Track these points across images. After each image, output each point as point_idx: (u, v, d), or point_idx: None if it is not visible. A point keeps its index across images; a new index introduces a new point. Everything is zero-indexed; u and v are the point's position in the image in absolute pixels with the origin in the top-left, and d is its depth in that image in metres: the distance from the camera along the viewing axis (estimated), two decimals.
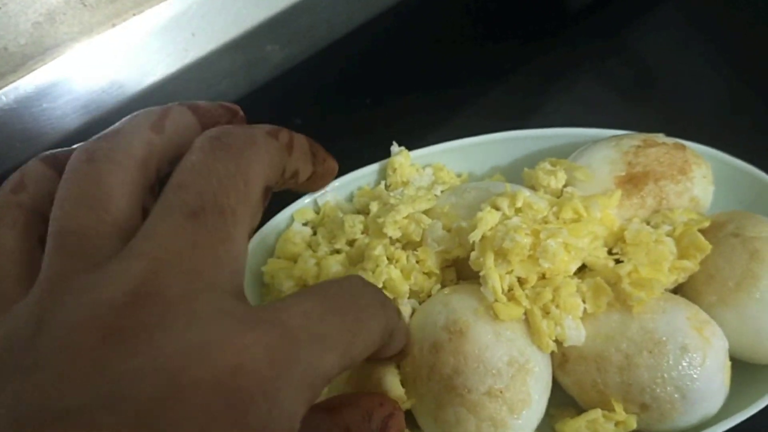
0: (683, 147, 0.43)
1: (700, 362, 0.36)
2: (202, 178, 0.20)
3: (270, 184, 0.22)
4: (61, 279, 0.18)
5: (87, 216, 0.20)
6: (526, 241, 0.37)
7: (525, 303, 0.38)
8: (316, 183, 0.29)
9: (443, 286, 0.42)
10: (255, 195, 0.21)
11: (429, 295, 0.41)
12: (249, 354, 0.17)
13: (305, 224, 0.47)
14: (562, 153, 0.47)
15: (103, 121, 0.54)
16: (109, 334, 0.16)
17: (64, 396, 0.15)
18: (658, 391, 0.36)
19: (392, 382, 0.37)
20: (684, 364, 0.36)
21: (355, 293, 0.21)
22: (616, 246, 0.40)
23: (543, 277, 0.38)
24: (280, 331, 0.18)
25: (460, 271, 0.43)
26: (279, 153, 0.23)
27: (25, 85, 0.49)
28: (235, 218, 0.20)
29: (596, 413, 0.37)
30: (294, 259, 0.45)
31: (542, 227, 0.38)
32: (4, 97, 0.48)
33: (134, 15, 0.52)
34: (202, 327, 0.17)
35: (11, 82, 0.49)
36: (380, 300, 0.22)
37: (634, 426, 0.37)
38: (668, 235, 0.40)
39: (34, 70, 0.49)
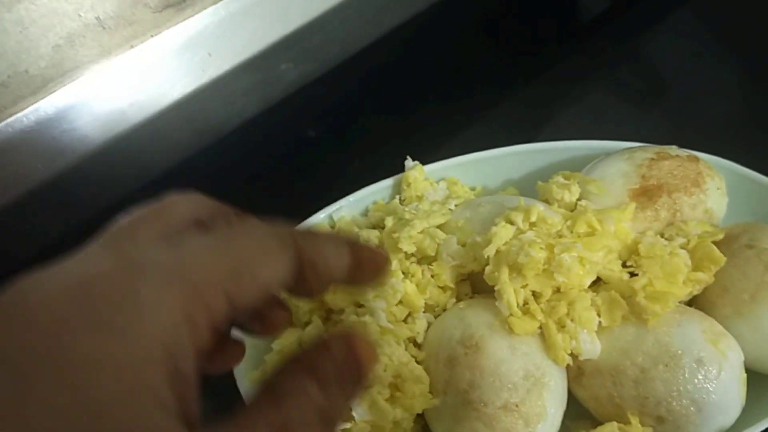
0: (696, 159, 0.44)
1: (715, 375, 0.36)
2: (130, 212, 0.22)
3: (200, 217, 0.23)
4: None
5: None
6: (541, 255, 0.38)
7: (540, 317, 0.38)
8: None
9: (458, 300, 0.42)
10: (177, 217, 0.22)
11: (444, 309, 0.42)
12: (95, 263, 0.18)
13: None
14: (575, 165, 0.47)
15: (122, 141, 0.55)
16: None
17: None
18: (673, 404, 0.36)
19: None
20: (700, 377, 0.36)
21: (254, 226, 0.22)
22: (631, 259, 0.40)
23: (558, 290, 0.39)
24: (137, 255, 0.19)
25: (475, 285, 0.43)
26: (208, 202, 0.24)
27: (45, 106, 0.50)
28: (146, 223, 0.21)
29: (612, 426, 0.37)
30: None
31: (556, 241, 0.38)
32: (25, 119, 0.49)
33: (152, 36, 0.53)
34: (60, 267, 0.18)
35: (32, 104, 0.50)
36: (262, 221, 0.22)
37: None
38: (682, 247, 0.40)
39: (54, 91, 0.50)
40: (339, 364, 0.21)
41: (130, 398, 0.16)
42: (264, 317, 0.25)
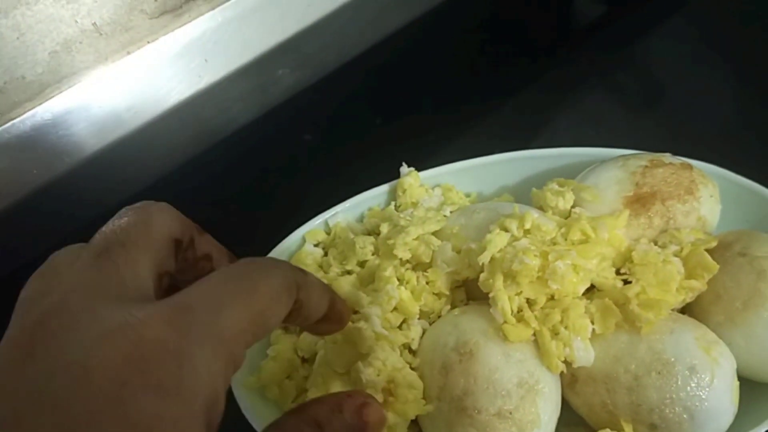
0: (690, 167, 0.44)
1: (708, 383, 0.36)
2: (107, 228, 0.23)
3: (176, 236, 0.25)
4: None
5: (40, 287, 0.23)
6: (535, 262, 0.38)
7: (534, 324, 0.38)
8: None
9: (453, 306, 0.42)
10: (158, 237, 0.24)
11: (439, 316, 0.42)
12: (148, 327, 0.19)
13: (316, 245, 0.48)
14: (570, 172, 0.47)
15: (119, 147, 0.55)
16: (24, 350, 0.19)
17: None
18: (666, 411, 0.36)
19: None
20: (692, 384, 0.36)
21: (251, 266, 0.23)
22: (624, 266, 0.41)
23: (552, 298, 0.39)
24: (179, 305, 0.20)
25: (470, 291, 0.43)
26: (180, 216, 0.25)
27: (42, 112, 0.50)
28: (137, 249, 0.23)
29: None
30: None
31: (551, 249, 0.39)
32: (21, 125, 0.49)
33: (148, 42, 0.53)
34: (103, 322, 0.19)
35: (29, 110, 0.50)
36: (276, 263, 0.24)
37: None
38: (676, 255, 0.40)
39: (50, 97, 0.50)
40: (348, 428, 0.24)
41: None
42: None
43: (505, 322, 0.38)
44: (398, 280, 0.42)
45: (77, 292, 0.21)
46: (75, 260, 0.22)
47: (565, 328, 0.38)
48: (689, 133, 0.59)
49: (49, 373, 0.18)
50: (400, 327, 0.41)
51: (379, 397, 0.38)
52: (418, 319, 0.42)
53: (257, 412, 0.40)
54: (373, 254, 0.45)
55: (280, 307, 0.23)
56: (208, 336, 0.20)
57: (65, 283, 0.21)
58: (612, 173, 0.44)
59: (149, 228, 0.23)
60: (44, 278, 0.22)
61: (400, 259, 0.43)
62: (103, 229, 0.23)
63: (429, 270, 0.42)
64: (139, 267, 0.22)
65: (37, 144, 0.50)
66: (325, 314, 0.27)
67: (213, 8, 0.55)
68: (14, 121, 0.49)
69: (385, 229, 0.45)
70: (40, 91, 0.50)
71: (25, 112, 0.49)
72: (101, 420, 0.17)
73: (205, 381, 0.19)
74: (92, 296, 0.20)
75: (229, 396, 0.40)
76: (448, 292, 0.42)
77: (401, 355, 0.40)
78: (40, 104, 0.50)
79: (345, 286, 0.44)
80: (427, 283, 0.42)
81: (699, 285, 0.39)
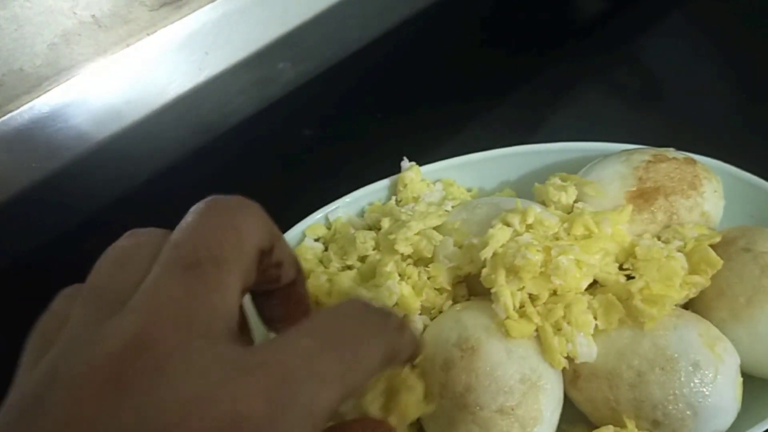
0: (693, 162, 0.44)
1: (711, 379, 0.36)
2: (197, 233, 0.20)
3: (263, 246, 0.22)
4: (77, 332, 0.19)
5: (117, 274, 0.20)
6: (538, 257, 0.37)
7: (536, 320, 0.38)
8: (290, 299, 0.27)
9: (455, 302, 0.42)
10: (248, 249, 0.21)
11: (440, 312, 0.42)
12: (246, 401, 0.17)
13: (317, 240, 0.48)
14: (572, 167, 0.47)
15: (118, 140, 0.54)
16: (106, 384, 0.17)
17: None
18: (670, 408, 0.36)
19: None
20: (696, 380, 0.35)
21: (353, 321, 0.21)
22: (627, 262, 0.40)
23: (554, 293, 0.39)
24: (276, 374, 0.18)
25: (472, 287, 0.43)
26: (269, 221, 0.23)
27: (40, 105, 0.50)
28: (229, 267, 0.20)
29: (608, 430, 0.37)
30: (306, 275, 0.45)
31: (553, 244, 0.38)
32: (19, 118, 0.49)
33: (148, 35, 0.52)
34: (198, 376, 0.17)
35: (27, 102, 0.49)
36: (380, 324, 0.22)
37: None
38: (679, 250, 0.40)
39: (49, 90, 0.50)
40: None
41: None
42: None
43: (508, 317, 0.37)
44: (399, 275, 0.42)
45: (168, 317, 0.18)
46: (154, 254, 0.20)
47: (568, 323, 0.38)
48: (690, 129, 0.59)
49: (135, 428, 0.16)
50: None
51: (379, 401, 0.38)
52: (420, 314, 0.41)
53: None
54: (374, 249, 0.45)
55: (370, 376, 0.21)
56: (306, 418, 0.18)
57: (151, 295, 0.19)
58: (615, 168, 0.44)
59: (240, 239, 0.21)
60: (120, 270, 0.20)
61: (402, 254, 0.42)
62: (189, 228, 0.21)
63: (430, 265, 0.42)
64: (229, 291, 0.20)
65: (36, 137, 0.50)
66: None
67: (213, 0, 0.54)
68: (12, 113, 0.49)
69: (386, 224, 0.45)
70: (39, 83, 0.49)
71: (23, 105, 0.49)
72: None
73: None
74: (182, 328, 0.18)
75: None
76: (449, 288, 0.42)
77: None
78: (39, 97, 0.50)
79: (345, 281, 0.43)
80: (428, 278, 0.42)
81: (702, 281, 0.39)
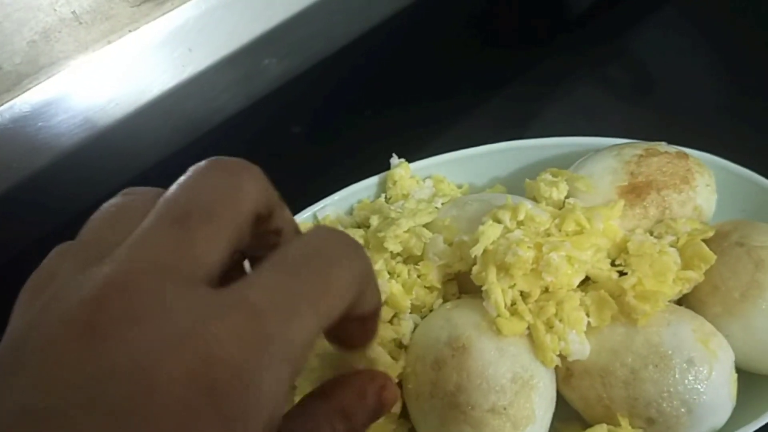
0: (686, 156, 0.43)
1: (706, 375, 0.35)
2: (191, 189, 0.20)
3: (259, 210, 0.22)
4: (62, 282, 0.19)
5: (106, 229, 0.21)
6: (529, 254, 0.37)
7: (528, 317, 0.37)
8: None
9: (445, 300, 0.42)
10: (243, 209, 0.21)
11: (431, 310, 0.41)
12: (219, 344, 0.17)
13: None
14: (563, 162, 0.46)
15: (100, 139, 0.53)
16: (81, 331, 0.17)
17: (42, 397, 0.16)
18: (664, 405, 0.35)
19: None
20: (690, 377, 0.35)
21: (321, 247, 0.21)
22: (620, 257, 0.40)
23: (546, 290, 0.38)
24: (247, 313, 0.18)
25: (462, 284, 0.42)
26: (269, 187, 0.22)
27: (20, 104, 0.49)
28: (220, 223, 0.20)
29: (602, 428, 0.37)
30: None
31: (545, 240, 0.38)
32: None
33: (130, 31, 0.52)
34: (171, 320, 0.17)
35: (6, 101, 0.48)
36: (349, 244, 0.22)
37: None
38: (672, 245, 0.40)
39: (29, 88, 0.49)
40: (371, 413, 0.24)
41: None
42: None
43: (499, 315, 0.37)
44: (389, 273, 0.42)
45: (147, 265, 0.18)
46: (146, 210, 0.20)
47: (560, 321, 0.37)
48: (682, 123, 0.58)
49: (110, 372, 0.16)
50: (390, 321, 0.41)
51: None
52: (410, 313, 0.41)
53: None
54: None
55: (345, 304, 0.21)
56: (279, 354, 0.18)
57: (135, 245, 0.19)
58: (606, 163, 0.43)
59: (238, 198, 0.21)
60: (111, 225, 0.20)
61: (391, 252, 0.42)
62: (184, 184, 0.21)
63: (420, 263, 0.41)
64: (216, 245, 0.20)
65: (16, 137, 0.49)
66: (371, 312, 0.24)
67: None
68: None
69: (375, 221, 0.45)
70: (18, 81, 0.48)
71: (2, 104, 0.48)
72: None
73: (271, 403, 0.18)
74: (161, 274, 0.18)
75: None
76: (440, 286, 0.41)
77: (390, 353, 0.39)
78: (18, 95, 0.49)
79: None
80: (418, 276, 0.41)
81: (696, 276, 0.39)
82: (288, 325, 0.19)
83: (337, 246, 0.21)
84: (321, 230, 0.22)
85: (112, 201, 0.22)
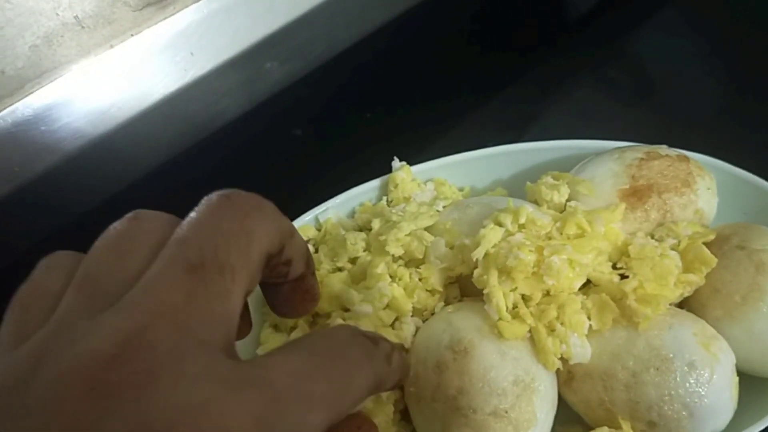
0: (687, 159, 0.43)
1: (707, 379, 0.35)
2: (205, 233, 0.20)
3: (272, 251, 0.22)
4: (68, 321, 0.18)
5: (115, 263, 0.20)
6: (530, 258, 0.37)
7: (530, 321, 0.37)
8: (297, 298, 0.27)
9: (447, 303, 0.42)
10: (256, 257, 0.21)
11: (432, 313, 0.41)
12: (235, 418, 0.17)
13: (307, 242, 0.47)
14: (564, 165, 0.46)
15: (103, 143, 0.54)
16: (94, 387, 0.16)
17: None
18: (665, 408, 0.35)
19: None
20: (691, 381, 0.35)
21: (343, 347, 0.21)
22: (621, 261, 0.40)
23: (547, 294, 0.38)
24: (267, 393, 0.18)
25: (464, 288, 0.42)
26: (282, 224, 0.22)
27: (23, 108, 0.49)
28: (234, 276, 0.19)
29: (603, 431, 0.36)
30: None
31: (546, 243, 0.38)
32: (1, 121, 0.48)
33: (132, 36, 0.52)
34: (188, 388, 0.17)
35: (9, 106, 0.49)
36: (370, 352, 0.22)
37: None
38: (673, 248, 0.40)
39: (31, 93, 0.49)
40: None
41: None
42: None
43: (500, 318, 0.37)
44: (390, 276, 0.42)
45: (164, 320, 0.18)
46: (156, 242, 0.19)
47: (562, 324, 0.37)
48: (683, 125, 0.58)
49: None
50: (392, 325, 0.41)
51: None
52: (411, 316, 0.41)
53: None
54: (364, 250, 0.44)
55: (358, 404, 0.21)
56: None
57: (148, 293, 0.18)
58: (608, 166, 0.43)
59: (250, 244, 0.20)
60: (119, 257, 0.19)
61: (392, 255, 0.42)
62: (197, 225, 0.20)
63: (422, 266, 0.41)
64: (231, 298, 0.19)
65: (18, 141, 0.49)
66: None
67: (198, 0, 0.54)
68: None
69: (376, 224, 0.45)
70: (21, 85, 0.49)
71: (5, 108, 0.48)
72: None
73: None
74: (178, 333, 0.18)
75: None
76: (441, 289, 0.41)
77: None
78: (21, 100, 0.49)
79: (336, 283, 0.43)
80: (420, 279, 0.41)
81: (697, 279, 0.39)
82: (304, 415, 0.18)
83: (360, 350, 0.22)
84: (346, 330, 0.22)
85: (119, 226, 0.21)
